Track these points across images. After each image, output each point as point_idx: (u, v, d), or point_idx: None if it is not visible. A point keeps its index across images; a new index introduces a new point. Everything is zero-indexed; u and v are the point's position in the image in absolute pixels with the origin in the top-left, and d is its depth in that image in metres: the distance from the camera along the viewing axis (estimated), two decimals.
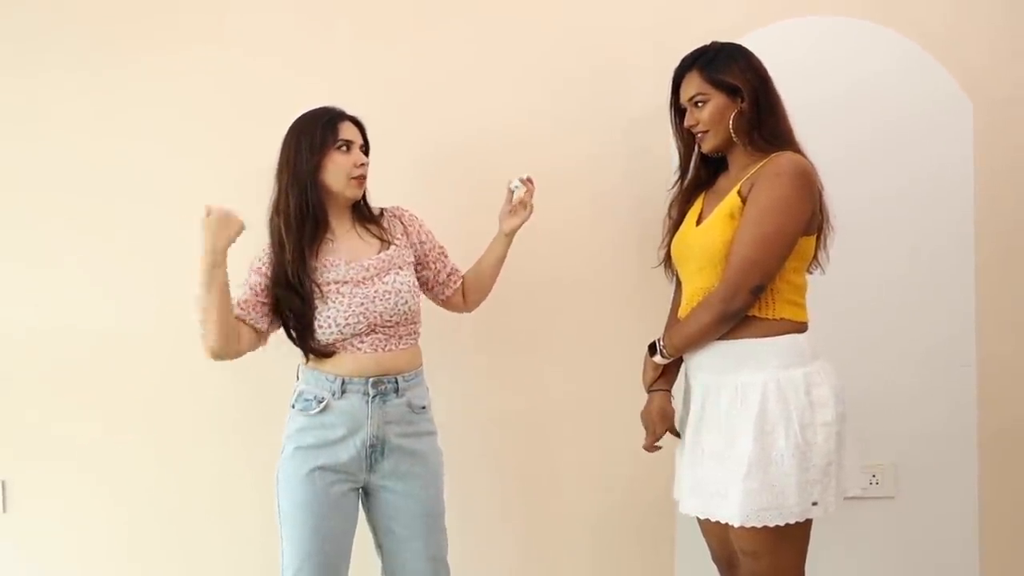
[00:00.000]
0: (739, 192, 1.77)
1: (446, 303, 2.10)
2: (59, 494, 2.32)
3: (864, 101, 2.31)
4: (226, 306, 1.77)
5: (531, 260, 2.21)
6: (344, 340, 1.84)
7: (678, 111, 1.91)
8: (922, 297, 2.33)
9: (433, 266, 2.03)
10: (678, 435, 1.91)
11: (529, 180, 2.00)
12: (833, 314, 2.28)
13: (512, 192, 2.01)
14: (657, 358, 1.89)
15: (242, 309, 1.83)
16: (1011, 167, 2.33)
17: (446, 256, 2.06)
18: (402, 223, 1.99)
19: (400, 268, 1.91)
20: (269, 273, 1.85)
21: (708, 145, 1.85)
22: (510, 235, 2.02)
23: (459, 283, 2.07)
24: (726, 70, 1.80)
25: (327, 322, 1.82)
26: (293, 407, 1.87)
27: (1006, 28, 2.33)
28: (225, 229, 1.73)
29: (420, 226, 2.02)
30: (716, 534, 1.90)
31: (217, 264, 1.73)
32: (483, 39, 2.32)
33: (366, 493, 1.91)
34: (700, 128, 1.84)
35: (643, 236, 2.30)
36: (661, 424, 1.91)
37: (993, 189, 2.33)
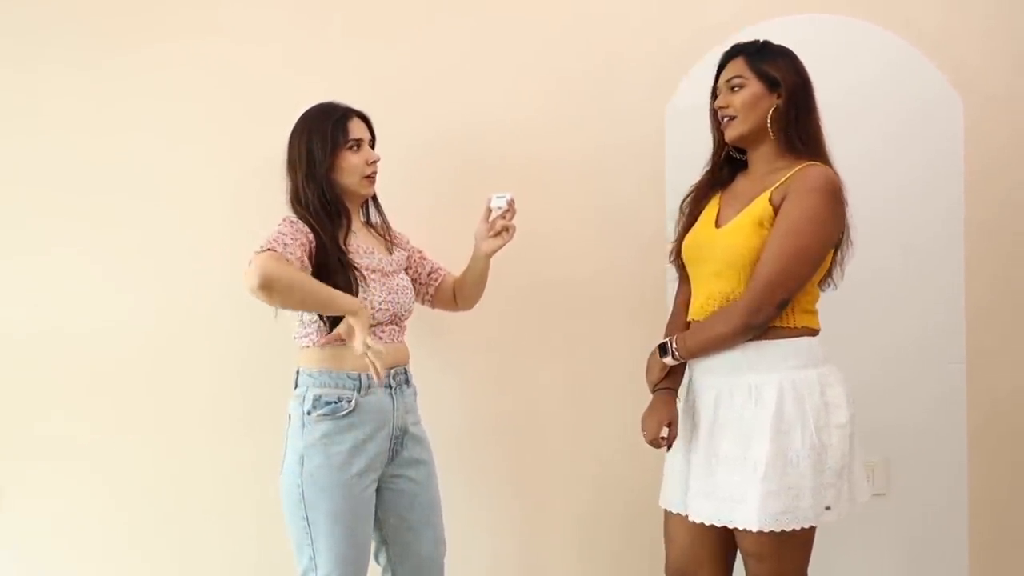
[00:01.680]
0: (770, 200, 1.73)
1: (435, 301, 2.11)
2: (55, 495, 2.30)
3: (854, 98, 2.31)
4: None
5: (525, 258, 2.20)
6: (371, 327, 1.82)
7: (717, 99, 1.87)
8: (912, 294, 2.34)
9: (414, 268, 2.06)
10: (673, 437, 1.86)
11: (511, 202, 1.96)
12: (823, 311, 2.28)
13: (491, 208, 1.97)
14: (668, 360, 1.84)
15: (291, 258, 1.74)
16: (1001, 164, 2.34)
17: (424, 257, 2.09)
18: (389, 232, 2.04)
19: (406, 269, 2.01)
20: (313, 247, 1.80)
21: (733, 132, 1.81)
22: (488, 257, 2.01)
23: (440, 280, 2.08)
24: (770, 62, 1.78)
25: (364, 303, 1.80)
26: (309, 414, 1.80)
27: (997, 26, 2.34)
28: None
29: (400, 235, 2.06)
30: (683, 541, 1.86)
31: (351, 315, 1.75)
32: (479, 35, 2.31)
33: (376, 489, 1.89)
34: (729, 112, 1.80)
35: (639, 234, 2.31)
36: (661, 425, 1.83)
37: (983, 186, 2.33)
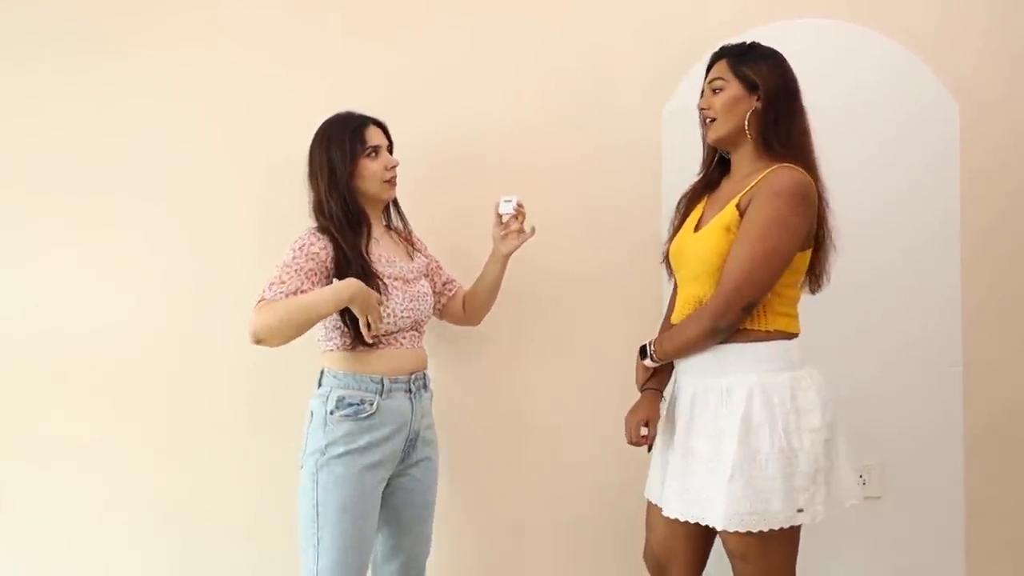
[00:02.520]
0: (737, 205, 1.76)
1: (444, 313, 2.14)
2: (54, 495, 2.30)
3: (851, 103, 2.32)
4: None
5: (521, 257, 2.20)
6: (391, 334, 1.89)
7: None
8: (909, 297, 2.35)
9: (431, 276, 2.09)
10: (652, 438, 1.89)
11: (520, 205, 2.01)
12: (820, 314, 2.29)
13: (499, 214, 2.02)
14: (647, 361, 1.89)
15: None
16: (997, 168, 2.35)
17: (441, 268, 2.14)
18: (411, 237, 2.08)
19: (425, 275, 2.05)
20: (330, 262, 1.84)
21: (713, 134, 1.84)
22: (507, 257, 2.06)
23: (454, 292, 2.13)
24: (752, 65, 1.80)
25: (386, 313, 1.86)
26: (332, 413, 1.85)
27: (992, 30, 2.36)
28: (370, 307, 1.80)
29: (419, 240, 2.11)
30: (661, 531, 1.90)
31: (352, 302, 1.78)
32: (478, 36, 2.32)
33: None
34: (710, 114, 1.83)
35: (635, 235, 2.31)
36: (643, 425, 1.86)
37: (979, 190, 2.35)
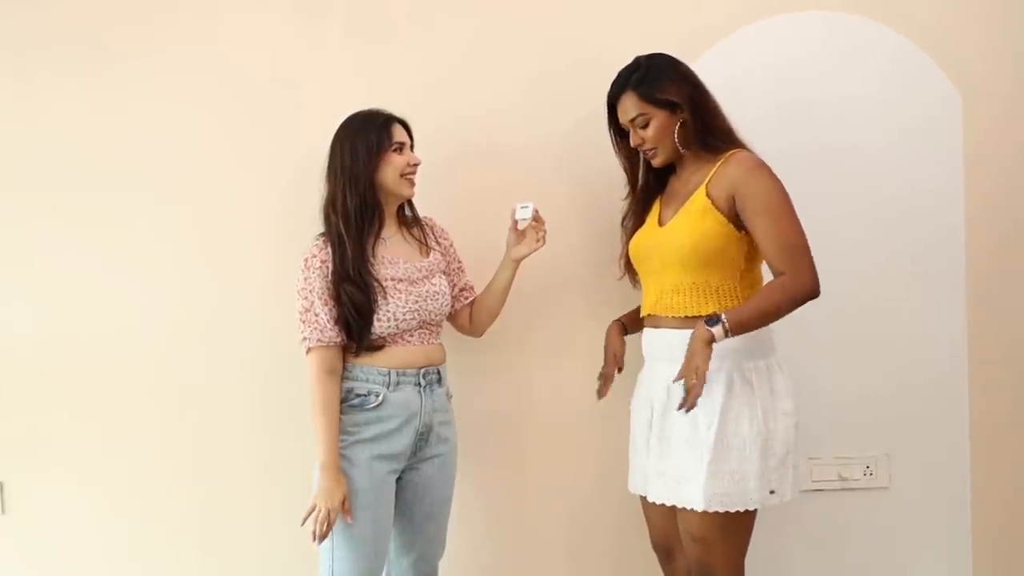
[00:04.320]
0: (707, 193, 1.81)
1: (452, 319, 2.14)
2: (58, 495, 2.32)
3: (853, 95, 2.32)
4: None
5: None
6: (396, 334, 1.91)
7: (617, 130, 1.97)
8: (913, 287, 2.35)
9: (450, 277, 2.09)
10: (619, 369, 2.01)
11: (536, 211, 2.02)
12: (826, 306, 2.29)
13: (516, 220, 2.03)
14: (717, 331, 1.71)
15: (332, 333, 1.86)
16: (1000, 160, 2.34)
17: (463, 271, 2.13)
18: (433, 233, 2.07)
19: (442, 273, 2.03)
20: (329, 274, 1.87)
21: (659, 160, 1.90)
22: (517, 263, 2.06)
23: (469, 300, 2.13)
24: (661, 87, 1.85)
25: (386, 316, 1.88)
26: (341, 404, 1.89)
27: (996, 22, 2.34)
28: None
29: (447, 237, 2.11)
30: (657, 522, 1.97)
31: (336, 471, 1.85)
32: (475, 37, 2.32)
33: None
34: (647, 147, 1.89)
35: None
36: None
37: (982, 181, 2.34)
